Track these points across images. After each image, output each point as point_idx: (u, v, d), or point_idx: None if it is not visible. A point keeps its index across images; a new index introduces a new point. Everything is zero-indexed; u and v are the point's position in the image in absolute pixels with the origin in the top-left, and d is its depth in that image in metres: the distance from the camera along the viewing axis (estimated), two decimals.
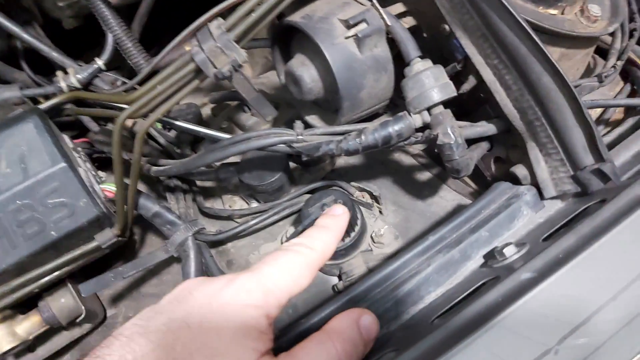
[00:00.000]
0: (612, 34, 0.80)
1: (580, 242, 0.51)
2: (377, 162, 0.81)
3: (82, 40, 0.91)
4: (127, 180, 0.68)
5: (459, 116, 0.63)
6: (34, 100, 0.79)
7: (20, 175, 0.63)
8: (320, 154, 0.62)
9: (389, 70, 0.63)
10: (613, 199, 0.54)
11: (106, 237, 0.66)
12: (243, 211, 0.76)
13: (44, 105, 0.71)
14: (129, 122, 0.81)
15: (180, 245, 0.72)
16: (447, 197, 0.76)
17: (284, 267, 0.51)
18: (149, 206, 0.72)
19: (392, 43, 0.63)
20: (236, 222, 0.78)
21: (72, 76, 0.78)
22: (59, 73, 0.79)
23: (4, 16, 0.76)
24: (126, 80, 0.80)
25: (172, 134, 0.86)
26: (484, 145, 0.68)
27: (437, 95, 0.59)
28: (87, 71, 0.79)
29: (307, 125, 0.69)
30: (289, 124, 0.64)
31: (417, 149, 0.80)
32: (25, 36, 0.78)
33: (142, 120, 0.65)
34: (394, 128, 0.60)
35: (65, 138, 0.73)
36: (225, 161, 0.77)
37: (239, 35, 0.59)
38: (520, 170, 0.62)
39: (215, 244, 0.78)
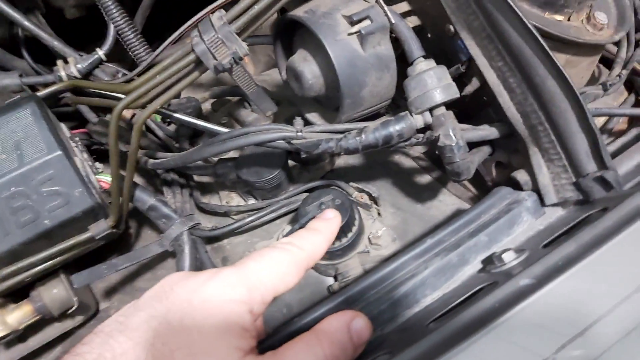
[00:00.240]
0: (618, 43, 0.79)
1: (580, 250, 0.50)
2: (377, 163, 0.80)
3: (85, 31, 0.90)
4: (123, 173, 0.67)
5: (461, 119, 0.62)
6: (33, 88, 0.78)
7: (15, 162, 0.62)
8: (320, 152, 0.61)
9: (391, 69, 0.62)
10: (615, 208, 0.53)
11: (100, 228, 0.65)
12: (240, 208, 0.76)
13: (42, 92, 0.70)
14: (128, 114, 0.80)
15: (175, 239, 0.71)
16: (447, 201, 0.75)
17: (270, 263, 0.49)
18: (145, 199, 0.71)
19: (396, 42, 0.62)
20: (233, 218, 0.77)
21: (72, 66, 0.78)
22: (59, 62, 0.78)
23: (6, 3, 0.76)
24: (127, 72, 0.79)
25: (172, 128, 0.85)
26: (486, 149, 0.67)
27: (439, 96, 0.58)
28: (87, 61, 0.78)
29: (308, 123, 0.68)
30: (289, 122, 0.64)
31: (418, 151, 0.79)
32: (27, 24, 0.78)
33: (141, 111, 0.64)
34: (395, 128, 0.59)
35: (63, 127, 0.73)
36: (223, 156, 0.77)
37: (241, 27, 0.58)
38: (521, 176, 0.62)
39: (211, 240, 0.78)
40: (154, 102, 0.62)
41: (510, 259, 0.54)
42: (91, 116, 0.83)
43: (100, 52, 0.79)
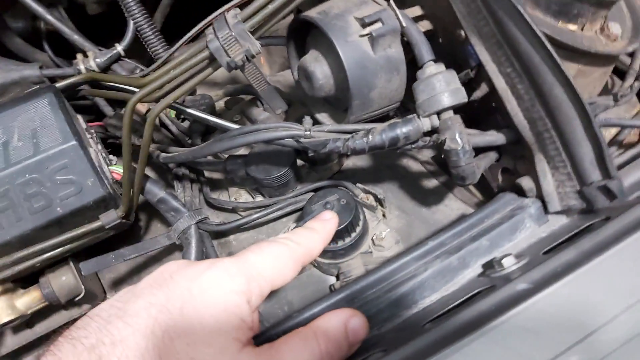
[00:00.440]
0: (632, 55, 0.79)
1: (580, 257, 0.51)
2: (385, 166, 0.81)
3: (105, 28, 0.92)
4: (136, 165, 0.68)
5: (469, 124, 0.63)
6: (53, 80, 0.80)
7: (31, 150, 0.64)
8: (327, 151, 0.62)
9: (401, 72, 0.63)
10: (617, 217, 0.53)
11: (110, 218, 0.67)
12: (247, 204, 0.77)
13: (61, 84, 0.72)
14: (143, 109, 0.82)
15: (183, 232, 0.73)
16: (452, 206, 0.76)
17: (268, 256, 0.50)
18: (155, 191, 0.73)
19: (407, 47, 0.63)
20: (240, 214, 0.78)
21: (91, 59, 0.80)
22: (79, 56, 0.80)
23: None
24: (144, 68, 0.81)
25: (185, 124, 0.87)
26: (492, 155, 0.67)
27: (447, 100, 0.59)
28: (106, 56, 0.81)
29: (317, 123, 0.69)
30: (299, 122, 0.65)
31: (426, 155, 0.80)
32: (49, 17, 0.80)
33: (155, 105, 0.66)
34: (402, 130, 0.60)
35: (79, 119, 0.75)
36: (234, 153, 0.78)
37: (255, 25, 0.59)
38: (526, 182, 0.62)
39: (218, 235, 0.79)
40: (167, 97, 0.63)
41: (510, 264, 0.55)
42: (108, 110, 0.85)
43: (119, 48, 0.81)
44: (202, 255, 0.73)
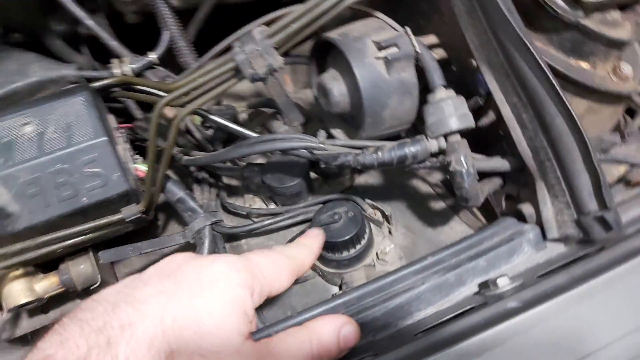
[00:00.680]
0: None
1: (570, 281, 0.53)
2: (395, 185, 0.84)
3: (140, 37, 0.98)
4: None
5: (476, 149, 0.66)
6: (88, 81, 0.85)
7: (64, 142, 0.67)
8: (338, 163, 0.65)
9: (413, 95, 0.66)
10: (611, 248, 0.55)
11: (131, 212, 0.70)
12: (260, 211, 0.80)
13: (96, 84, 0.77)
14: (171, 114, 0.86)
15: (197, 232, 0.76)
16: (457, 229, 0.78)
17: (270, 261, 0.54)
18: (175, 191, 0.77)
19: (422, 74, 0.67)
20: (253, 220, 0.82)
21: (126, 65, 0.85)
22: (115, 60, 0.85)
23: (74, 2, 0.84)
24: (174, 77, 0.86)
25: (210, 133, 0.91)
26: (497, 181, 0.70)
27: (455, 124, 0.62)
28: (140, 62, 0.85)
29: (331, 137, 0.73)
30: (314, 136, 0.68)
31: (436, 178, 0.83)
32: (90, 22, 0.85)
33: (181, 109, 0.70)
34: (410, 149, 0.63)
35: (111, 118, 0.79)
36: (252, 161, 0.82)
37: (279, 42, 0.63)
38: (527, 208, 0.64)
39: (230, 239, 0.82)
40: (193, 102, 0.68)
41: (504, 284, 0.57)
42: (138, 113, 0.90)
43: (153, 56, 0.86)
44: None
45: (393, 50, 0.63)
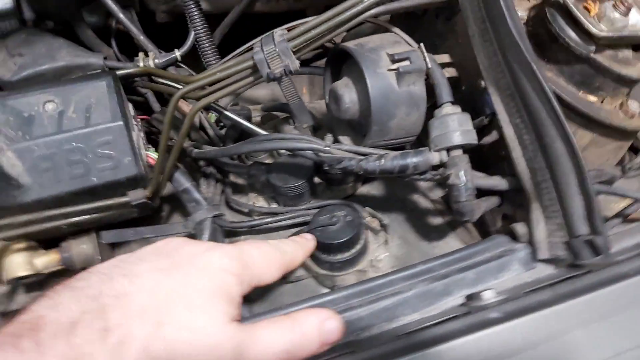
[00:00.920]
0: None
1: (553, 298, 0.54)
2: (396, 198, 0.85)
3: (167, 35, 1.02)
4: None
5: (477, 167, 0.67)
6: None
7: (82, 122, 0.70)
8: (341, 167, 0.67)
9: (421, 108, 0.69)
10: (597, 271, 0.56)
11: (137, 196, 0.72)
12: (262, 209, 0.82)
13: (120, 72, 0.81)
14: (187, 109, 0.90)
15: (198, 223, 0.78)
16: (452, 245, 0.79)
17: (262, 253, 0.56)
18: (182, 181, 0.79)
19: (431, 91, 0.69)
20: (254, 218, 0.84)
21: (151, 59, 0.88)
22: (141, 54, 0.89)
23: None
24: (195, 74, 0.89)
25: (222, 132, 0.94)
26: (494, 200, 0.71)
27: (458, 138, 0.64)
28: (165, 58, 0.89)
29: (337, 142, 0.75)
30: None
31: (437, 194, 0.84)
32: (121, 16, 0.89)
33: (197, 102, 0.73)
34: (413, 159, 0.65)
35: (130, 106, 0.83)
36: (259, 160, 0.85)
37: (297, 46, 0.67)
38: (520, 228, 0.65)
39: (229, 234, 0.84)
40: (209, 96, 0.71)
41: (489, 297, 0.58)
42: (156, 106, 0.93)
43: (177, 53, 0.90)
44: None
45: (405, 63, 0.66)
